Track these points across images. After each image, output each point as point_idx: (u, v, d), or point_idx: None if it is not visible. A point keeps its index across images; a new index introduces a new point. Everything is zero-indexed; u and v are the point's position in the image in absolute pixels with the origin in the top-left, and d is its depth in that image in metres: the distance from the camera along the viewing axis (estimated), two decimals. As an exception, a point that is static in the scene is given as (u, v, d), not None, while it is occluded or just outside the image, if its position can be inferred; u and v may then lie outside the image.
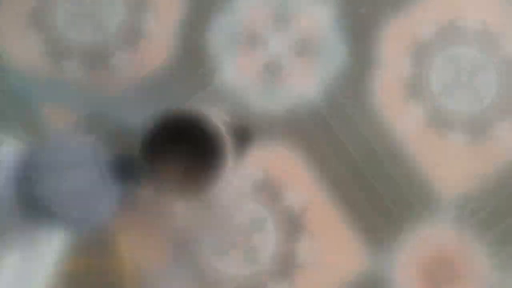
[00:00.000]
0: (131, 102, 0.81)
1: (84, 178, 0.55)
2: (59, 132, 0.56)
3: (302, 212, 0.79)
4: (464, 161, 0.81)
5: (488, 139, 0.82)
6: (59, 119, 0.81)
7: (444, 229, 0.79)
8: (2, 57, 0.83)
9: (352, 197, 0.80)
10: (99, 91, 0.82)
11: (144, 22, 0.83)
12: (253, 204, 0.79)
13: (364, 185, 0.80)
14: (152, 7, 0.84)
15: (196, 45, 0.84)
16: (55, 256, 0.76)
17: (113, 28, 0.83)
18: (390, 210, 0.79)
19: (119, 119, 0.80)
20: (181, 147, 0.75)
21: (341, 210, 0.79)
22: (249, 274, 0.78)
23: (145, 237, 0.78)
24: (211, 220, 0.68)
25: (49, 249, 0.74)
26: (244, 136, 0.63)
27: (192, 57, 0.83)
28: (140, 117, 0.80)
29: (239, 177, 0.66)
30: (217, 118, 0.63)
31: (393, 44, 0.84)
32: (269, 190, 0.80)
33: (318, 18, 0.85)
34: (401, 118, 0.82)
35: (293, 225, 0.79)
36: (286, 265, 0.78)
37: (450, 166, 0.81)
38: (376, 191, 0.80)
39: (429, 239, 0.79)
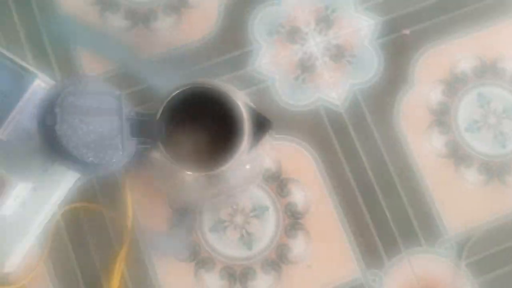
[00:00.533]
0: (164, 68, 0.83)
1: (105, 126, 0.56)
2: (90, 78, 0.57)
3: (304, 211, 0.80)
4: (474, 201, 0.81)
5: (503, 184, 0.82)
6: (93, 67, 0.82)
7: (439, 262, 0.79)
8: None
9: (357, 208, 0.80)
10: (137, 50, 0.83)
11: (193, -7, 0.85)
12: (259, 191, 0.80)
13: (371, 199, 0.80)
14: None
15: (238, 27, 0.85)
16: (64, 194, 0.78)
17: (163, -8, 0.85)
18: (392, 230, 0.79)
19: (149, 81, 0.82)
20: (201, 119, 0.77)
21: (343, 218, 0.80)
22: (240, 257, 0.78)
23: (149, 197, 0.79)
24: (216, 196, 0.69)
25: (59, 186, 0.76)
26: (264, 124, 0.64)
27: (231, 37, 0.84)
28: (169, 84, 0.82)
29: (252, 162, 0.67)
30: (242, 100, 0.64)
31: (429, 70, 0.85)
32: (277, 183, 0.80)
33: (360, 28, 0.85)
34: (421, 144, 0.82)
35: (293, 221, 0.79)
36: (278, 258, 0.78)
37: (459, 202, 0.81)
38: (382, 209, 0.80)
39: (422, 268, 0.79)
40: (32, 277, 0.76)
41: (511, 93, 0.85)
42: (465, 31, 0.86)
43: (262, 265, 0.78)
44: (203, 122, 0.77)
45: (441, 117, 0.83)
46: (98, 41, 0.83)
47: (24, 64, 0.75)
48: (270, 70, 0.84)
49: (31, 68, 0.75)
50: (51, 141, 0.53)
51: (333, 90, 0.84)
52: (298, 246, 0.79)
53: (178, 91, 0.63)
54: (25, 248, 0.77)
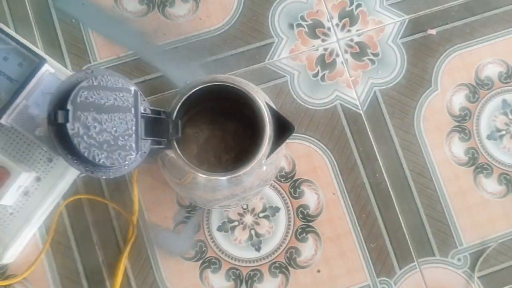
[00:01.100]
0: (178, 57, 0.79)
1: (118, 124, 0.52)
2: (105, 71, 0.54)
3: (316, 214, 0.77)
4: (491, 213, 0.78)
5: (521, 197, 0.80)
6: (105, 53, 0.79)
7: (452, 273, 0.77)
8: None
9: (370, 213, 0.77)
10: (151, 37, 0.79)
11: (213, -20, 0.81)
12: (271, 190, 0.77)
13: (385, 205, 0.78)
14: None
15: (258, 18, 0.81)
16: (68, 185, 0.75)
17: (181, -23, 0.81)
18: (405, 238, 0.77)
19: (162, 70, 0.78)
20: (218, 117, 0.73)
21: (355, 223, 0.77)
22: (248, 259, 0.76)
23: (157, 193, 0.76)
24: (228, 198, 0.66)
25: (64, 177, 0.73)
26: (285, 129, 0.60)
27: (250, 28, 0.81)
28: (182, 74, 0.78)
29: (268, 165, 0.64)
30: (263, 101, 0.61)
31: (453, 73, 0.81)
32: (291, 184, 0.77)
33: (384, 25, 0.82)
34: (441, 150, 0.79)
35: (304, 224, 0.77)
36: (287, 261, 0.76)
37: (476, 213, 0.78)
38: (396, 215, 0.77)
39: (434, 279, 0.77)
40: (32, 270, 0.73)
41: (538, 103, 0.81)
42: (493, 35, 0.83)
43: (270, 268, 0.76)
44: (221, 119, 0.74)
45: (463, 123, 0.80)
46: (111, 25, 0.79)
47: (33, 48, 0.72)
48: (289, 65, 0.80)
49: (40, 53, 0.72)
50: (61, 140, 0.49)
51: (353, 89, 0.80)
52: (308, 250, 0.76)
53: (196, 89, 0.59)
54: (26, 239, 0.74)
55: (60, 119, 0.48)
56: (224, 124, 0.73)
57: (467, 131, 0.80)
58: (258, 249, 0.76)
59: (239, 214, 0.77)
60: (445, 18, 0.82)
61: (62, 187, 0.74)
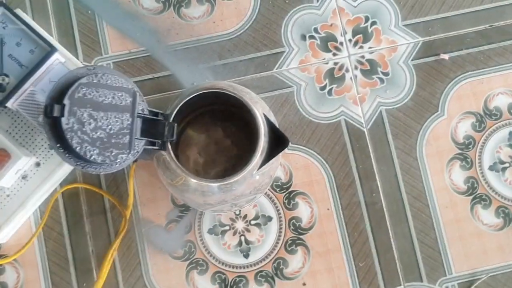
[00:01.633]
0: (188, 58, 0.80)
1: (114, 123, 0.53)
2: (107, 70, 0.54)
3: (309, 227, 0.77)
4: (485, 245, 0.78)
5: (517, 232, 0.79)
6: (117, 46, 0.80)
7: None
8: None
9: (362, 232, 0.77)
10: (163, 35, 0.80)
11: (230, -15, 0.81)
12: (265, 200, 0.77)
13: (378, 225, 0.77)
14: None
15: (271, 26, 0.81)
16: (67, 173, 0.76)
17: (199, -21, 0.81)
18: (394, 261, 0.77)
19: (171, 69, 0.79)
20: (221, 120, 0.74)
21: (346, 241, 0.77)
22: (235, 264, 0.76)
23: (153, 189, 0.77)
24: (220, 203, 0.66)
25: (64, 164, 0.74)
26: (280, 142, 0.61)
27: (262, 36, 0.81)
28: (190, 75, 0.79)
29: (262, 174, 0.64)
30: (262, 111, 0.61)
31: (461, 100, 0.80)
32: (286, 194, 0.78)
33: (398, 46, 0.81)
34: (440, 176, 0.79)
35: (295, 236, 0.77)
36: (274, 271, 0.76)
37: (470, 243, 0.78)
38: (388, 236, 0.77)
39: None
40: (23, 252, 0.74)
41: (544, 139, 0.80)
42: (507, 65, 0.81)
43: (256, 276, 0.76)
44: (224, 122, 0.74)
45: (466, 151, 0.80)
46: (125, 20, 0.80)
47: (46, 36, 0.73)
48: (297, 76, 0.80)
49: (53, 42, 0.73)
50: (55, 133, 0.50)
51: (359, 106, 0.80)
52: (296, 262, 0.77)
53: (195, 94, 0.60)
54: (20, 222, 0.75)
55: (56, 113, 0.49)
56: (226, 127, 0.74)
57: (469, 160, 0.79)
58: (246, 256, 0.77)
59: (231, 219, 0.77)
60: (460, 44, 0.82)
61: (61, 175, 0.75)
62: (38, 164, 0.74)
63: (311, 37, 0.81)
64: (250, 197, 0.68)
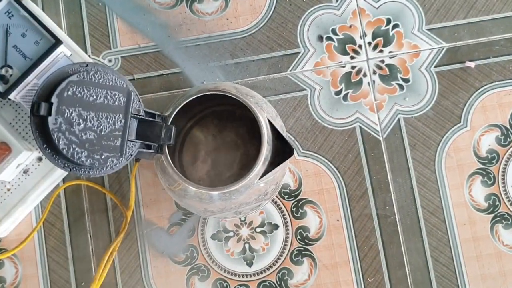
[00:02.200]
0: (198, 55, 0.77)
1: (106, 124, 0.50)
2: (101, 67, 0.52)
3: (316, 238, 0.74)
4: (504, 267, 0.73)
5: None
6: (126, 40, 0.77)
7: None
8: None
9: (372, 246, 0.73)
10: (174, 30, 0.77)
11: (246, -19, 0.78)
12: (272, 207, 0.74)
13: (390, 240, 0.73)
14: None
15: (287, 25, 0.77)
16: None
17: (214, -27, 0.78)
18: (405, 277, 0.73)
19: (181, 66, 0.76)
20: (229, 121, 0.71)
21: (355, 254, 0.73)
22: (238, 273, 0.73)
23: (156, 190, 0.75)
24: (221, 211, 0.63)
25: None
26: (284, 151, 0.57)
27: (277, 35, 0.77)
28: (203, 74, 0.76)
29: (267, 181, 0.61)
30: (267, 118, 0.58)
31: (486, 112, 0.76)
32: (294, 202, 0.74)
33: (420, 52, 0.77)
34: (460, 191, 0.74)
35: (301, 247, 0.74)
36: (278, 282, 0.73)
37: (487, 265, 0.73)
38: (400, 252, 0.73)
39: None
40: (23, 247, 0.73)
41: None
42: (538, 76, 0.76)
43: (259, 286, 0.73)
44: (232, 123, 0.72)
45: (489, 166, 0.75)
46: (136, 13, 0.77)
47: (53, 27, 0.71)
48: (312, 79, 0.77)
49: (59, 34, 0.71)
50: (42, 133, 0.48)
51: (376, 113, 0.76)
52: (301, 274, 0.73)
53: (197, 96, 0.57)
54: (21, 217, 0.74)
55: (43, 112, 0.47)
56: (236, 128, 0.71)
57: (491, 176, 0.75)
58: (249, 264, 0.74)
59: (236, 225, 0.74)
60: (488, 51, 0.77)
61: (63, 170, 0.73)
62: (40, 159, 0.72)
63: (329, 38, 0.77)
64: (255, 205, 0.65)
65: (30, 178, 0.72)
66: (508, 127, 0.75)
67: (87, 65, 0.51)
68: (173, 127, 0.55)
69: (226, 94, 0.57)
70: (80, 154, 0.48)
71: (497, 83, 0.76)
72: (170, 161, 0.56)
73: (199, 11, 0.78)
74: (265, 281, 0.73)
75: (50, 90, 0.48)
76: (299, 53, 0.77)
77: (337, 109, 0.76)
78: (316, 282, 0.73)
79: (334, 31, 0.77)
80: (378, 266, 0.73)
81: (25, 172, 0.72)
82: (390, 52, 0.77)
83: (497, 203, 0.74)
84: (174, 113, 0.56)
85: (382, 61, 0.77)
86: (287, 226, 0.74)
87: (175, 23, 0.77)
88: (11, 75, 0.68)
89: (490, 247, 0.73)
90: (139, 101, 0.53)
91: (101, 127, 0.50)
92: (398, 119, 0.76)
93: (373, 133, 0.76)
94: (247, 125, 0.71)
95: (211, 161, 0.71)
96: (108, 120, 0.50)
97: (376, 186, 0.75)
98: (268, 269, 0.73)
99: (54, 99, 0.47)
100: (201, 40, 0.77)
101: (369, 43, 0.77)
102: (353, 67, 0.77)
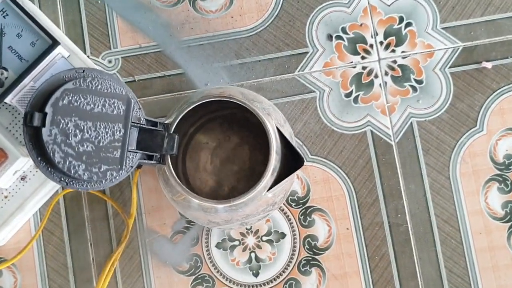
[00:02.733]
0: (202, 55, 0.73)
1: (104, 135, 0.47)
2: (99, 73, 0.49)
3: (325, 248, 0.71)
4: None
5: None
6: (127, 40, 0.74)
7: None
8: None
9: (384, 256, 0.70)
10: (176, 29, 0.74)
11: (252, -22, 0.74)
12: (279, 215, 0.71)
13: (402, 249, 0.70)
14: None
15: (294, 24, 0.74)
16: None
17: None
18: None
19: (183, 67, 0.73)
20: (235, 126, 0.68)
21: (366, 264, 0.70)
22: (243, 283, 0.70)
23: (159, 198, 0.72)
24: (226, 222, 0.60)
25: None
26: (294, 161, 0.54)
27: (284, 34, 0.74)
28: (207, 76, 0.73)
29: (274, 193, 0.58)
30: (276, 125, 0.55)
31: (504, 116, 0.72)
32: (302, 210, 0.71)
33: (435, 51, 0.73)
34: (475, 198, 0.71)
35: (309, 256, 0.71)
36: (284, 294, 0.70)
37: (503, 275, 0.70)
38: (413, 262, 0.70)
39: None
40: (22, 256, 0.70)
41: None
42: (558, 77, 0.73)
43: (266, 297, 0.70)
44: (238, 128, 0.69)
45: (506, 173, 0.72)
46: (137, 11, 0.74)
47: (50, 27, 0.68)
48: (321, 80, 0.73)
49: (57, 34, 0.67)
50: (36, 145, 0.45)
51: (388, 116, 0.73)
52: (309, 284, 0.70)
53: (201, 102, 0.54)
54: (19, 225, 0.71)
55: (36, 122, 0.44)
56: (242, 133, 0.68)
57: (508, 183, 0.71)
58: (255, 274, 0.71)
59: (241, 233, 0.71)
60: (506, 51, 0.73)
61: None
62: (35, 168, 0.69)
63: (338, 37, 0.74)
64: (263, 215, 0.62)
65: (28, 185, 0.69)
66: (527, 131, 0.72)
67: (83, 71, 0.48)
68: (176, 136, 0.52)
69: (232, 101, 0.54)
70: (77, 168, 0.45)
71: (515, 84, 0.73)
72: (173, 172, 0.53)
73: (203, 8, 0.74)
74: (271, 291, 0.70)
75: (44, 98, 0.45)
76: (307, 53, 0.74)
77: (347, 112, 0.73)
78: (325, 293, 0.70)
79: (344, 30, 0.74)
80: (389, 276, 0.70)
81: (22, 178, 0.69)
82: (402, 52, 0.73)
83: (514, 210, 0.71)
84: (177, 121, 0.53)
85: (395, 62, 0.73)
86: (294, 234, 0.71)
87: (177, 22, 0.74)
88: (6, 78, 0.65)
89: (507, 257, 0.70)
90: (140, 108, 0.50)
91: (99, 138, 0.47)
92: (411, 123, 0.72)
93: (384, 137, 0.72)
94: (253, 128, 0.68)
95: (216, 167, 0.68)
96: (107, 130, 0.47)
97: (388, 193, 0.72)
98: (275, 279, 0.71)
99: (48, 109, 0.44)
100: (205, 40, 0.74)
101: (381, 43, 0.74)
102: (364, 68, 0.73)
